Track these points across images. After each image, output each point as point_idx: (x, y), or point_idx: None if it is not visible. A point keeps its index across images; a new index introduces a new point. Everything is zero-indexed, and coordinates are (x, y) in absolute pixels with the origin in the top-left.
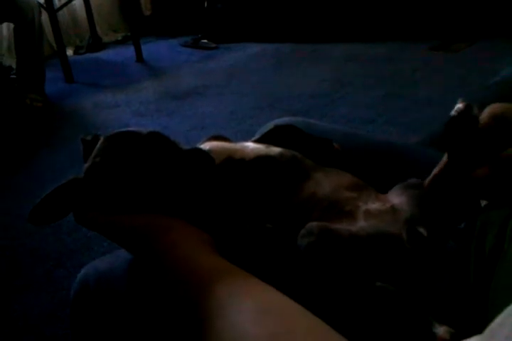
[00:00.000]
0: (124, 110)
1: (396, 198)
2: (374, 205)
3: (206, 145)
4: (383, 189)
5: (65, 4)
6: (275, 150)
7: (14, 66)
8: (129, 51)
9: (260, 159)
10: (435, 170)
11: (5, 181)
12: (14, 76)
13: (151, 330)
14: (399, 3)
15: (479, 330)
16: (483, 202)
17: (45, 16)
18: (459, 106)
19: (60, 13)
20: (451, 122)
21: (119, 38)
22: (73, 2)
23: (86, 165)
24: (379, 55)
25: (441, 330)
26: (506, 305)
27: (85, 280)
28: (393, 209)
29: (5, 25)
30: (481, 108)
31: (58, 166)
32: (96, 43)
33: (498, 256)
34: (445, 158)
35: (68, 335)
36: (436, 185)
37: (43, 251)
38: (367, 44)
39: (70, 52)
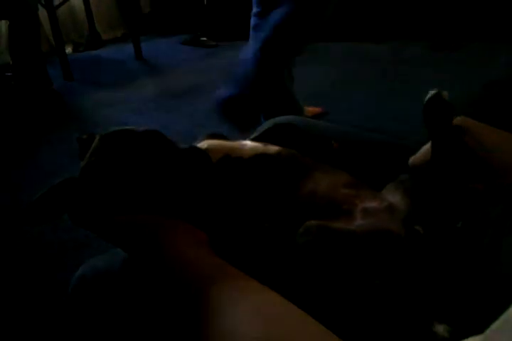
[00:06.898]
0: (123, 108)
1: (391, 196)
2: (371, 204)
3: (204, 144)
4: (381, 187)
5: (65, 1)
6: (273, 148)
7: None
8: (128, 49)
9: (258, 157)
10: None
11: (4, 178)
12: (10, 74)
13: (149, 327)
14: (400, 2)
15: (477, 329)
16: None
17: (43, 13)
18: (432, 92)
19: (59, 10)
20: (427, 105)
21: (119, 36)
22: None
23: (81, 165)
24: (379, 53)
25: (440, 328)
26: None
27: (83, 276)
28: (390, 208)
29: (3, 22)
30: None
31: (58, 164)
32: (95, 41)
33: (495, 250)
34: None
35: (66, 333)
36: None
37: (41, 248)
38: (367, 43)
39: (68, 49)
